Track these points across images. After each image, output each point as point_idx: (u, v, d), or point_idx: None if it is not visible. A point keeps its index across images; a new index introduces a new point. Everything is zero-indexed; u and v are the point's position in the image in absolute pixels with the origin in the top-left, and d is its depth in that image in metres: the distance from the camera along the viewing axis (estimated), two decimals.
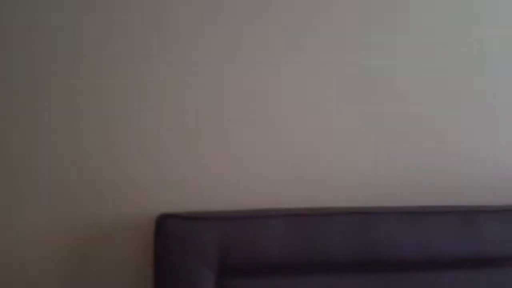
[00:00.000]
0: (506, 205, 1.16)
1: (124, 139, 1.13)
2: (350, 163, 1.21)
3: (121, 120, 1.14)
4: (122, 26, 1.15)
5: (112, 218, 1.12)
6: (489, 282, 1.06)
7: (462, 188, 1.26)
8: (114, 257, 1.12)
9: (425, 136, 1.24)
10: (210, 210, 1.08)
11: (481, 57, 1.28)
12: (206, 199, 1.13)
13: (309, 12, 1.20)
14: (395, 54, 1.24)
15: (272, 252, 1.00)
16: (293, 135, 1.19)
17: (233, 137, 1.17)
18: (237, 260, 1.00)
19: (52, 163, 1.12)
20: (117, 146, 1.13)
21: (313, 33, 1.20)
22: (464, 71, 1.26)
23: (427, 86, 1.25)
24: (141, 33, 1.15)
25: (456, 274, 1.06)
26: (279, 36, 1.19)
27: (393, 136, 1.23)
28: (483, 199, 1.24)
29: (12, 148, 1.12)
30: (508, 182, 1.28)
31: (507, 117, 1.29)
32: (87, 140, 1.13)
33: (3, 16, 1.12)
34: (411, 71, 1.24)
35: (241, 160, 1.16)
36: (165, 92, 1.15)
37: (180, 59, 1.16)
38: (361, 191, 1.21)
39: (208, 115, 1.16)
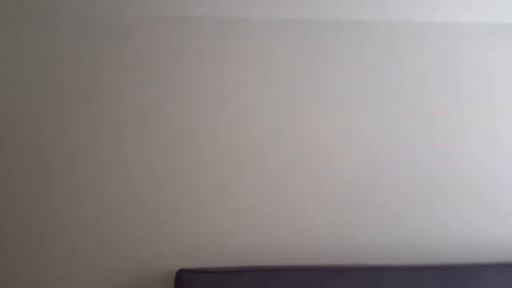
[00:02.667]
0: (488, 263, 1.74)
1: (150, 204, 1.69)
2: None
3: (152, 188, 1.70)
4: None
5: (139, 272, 1.66)
6: None
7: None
8: None
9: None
10: (209, 267, 1.65)
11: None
12: (213, 256, 1.69)
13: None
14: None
15: None
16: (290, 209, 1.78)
17: (238, 211, 1.73)
18: None
19: (84, 224, 1.66)
20: (143, 212, 1.69)
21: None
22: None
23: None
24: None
25: None
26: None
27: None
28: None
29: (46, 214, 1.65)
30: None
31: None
32: (116, 203, 1.68)
33: None
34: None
35: (241, 227, 1.73)
36: (188, 165, 1.72)
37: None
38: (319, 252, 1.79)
39: (219, 192, 1.73)
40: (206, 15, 1.79)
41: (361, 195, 1.81)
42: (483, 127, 1.87)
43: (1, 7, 1.73)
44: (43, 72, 1.72)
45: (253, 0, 1.80)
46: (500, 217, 1.85)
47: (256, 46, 1.79)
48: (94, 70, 1.72)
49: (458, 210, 1.85)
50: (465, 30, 1.88)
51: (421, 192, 1.84)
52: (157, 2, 1.76)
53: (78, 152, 1.70)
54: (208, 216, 1.72)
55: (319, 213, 1.79)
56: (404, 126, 1.85)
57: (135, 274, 1.65)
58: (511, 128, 1.87)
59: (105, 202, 1.69)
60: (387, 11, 1.86)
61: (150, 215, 1.70)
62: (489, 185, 1.86)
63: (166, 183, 1.72)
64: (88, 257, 1.66)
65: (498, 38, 1.88)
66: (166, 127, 1.73)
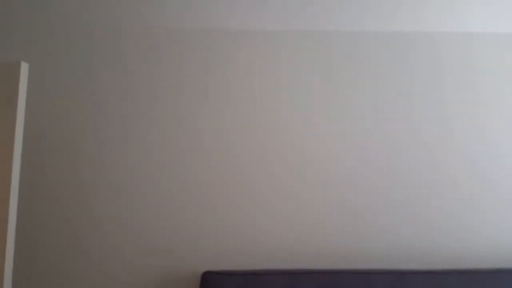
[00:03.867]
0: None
1: (181, 207, 1.80)
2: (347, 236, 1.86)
3: (183, 191, 1.81)
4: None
5: (167, 272, 1.77)
6: None
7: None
8: None
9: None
10: (234, 269, 1.73)
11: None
12: (238, 258, 1.79)
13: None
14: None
15: None
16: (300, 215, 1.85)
17: (262, 210, 1.82)
18: None
19: (118, 230, 1.80)
20: (174, 219, 1.80)
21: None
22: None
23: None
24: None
25: None
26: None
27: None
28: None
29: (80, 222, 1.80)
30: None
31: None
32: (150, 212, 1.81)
33: None
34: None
35: (264, 227, 1.82)
36: (215, 171, 1.83)
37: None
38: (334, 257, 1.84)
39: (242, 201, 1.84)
40: (216, 27, 1.93)
41: (380, 200, 1.85)
42: (504, 131, 1.89)
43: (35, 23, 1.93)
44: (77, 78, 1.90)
45: (259, 13, 1.93)
46: None
47: (262, 55, 1.91)
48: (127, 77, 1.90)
49: (483, 214, 1.86)
50: (475, 40, 1.94)
51: (445, 197, 1.86)
52: (178, 17, 1.92)
53: (113, 153, 1.83)
54: (234, 220, 1.81)
55: (341, 217, 1.84)
56: (422, 130, 1.90)
57: (162, 274, 1.76)
58: None
59: (138, 203, 1.81)
60: (398, 21, 1.94)
61: (180, 217, 1.80)
62: None
63: (196, 188, 1.82)
64: (121, 252, 1.78)
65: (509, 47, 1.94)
66: (196, 136, 1.86)
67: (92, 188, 1.82)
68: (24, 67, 1.59)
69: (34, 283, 1.76)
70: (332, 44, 1.93)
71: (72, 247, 1.78)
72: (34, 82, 1.86)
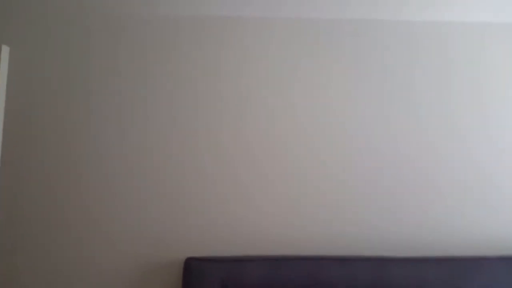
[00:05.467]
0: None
1: (167, 194, 1.81)
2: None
3: (170, 179, 1.82)
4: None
5: (156, 259, 1.78)
6: None
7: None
8: (158, 286, 1.77)
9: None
10: (217, 256, 1.75)
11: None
12: (221, 245, 1.80)
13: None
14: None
15: (254, 282, 1.65)
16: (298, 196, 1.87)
17: (244, 199, 1.83)
18: (233, 287, 1.65)
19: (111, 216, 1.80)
20: (160, 206, 1.81)
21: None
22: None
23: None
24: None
25: None
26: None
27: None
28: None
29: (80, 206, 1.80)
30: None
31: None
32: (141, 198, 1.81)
33: None
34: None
35: (250, 218, 1.83)
36: (203, 158, 1.83)
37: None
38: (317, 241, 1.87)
39: (225, 184, 1.84)
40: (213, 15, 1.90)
41: (370, 191, 1.87)
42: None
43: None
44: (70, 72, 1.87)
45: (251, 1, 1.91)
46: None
47: (274, 45, 1.90)
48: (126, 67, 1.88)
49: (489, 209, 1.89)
50: (484, 30, 1.93)
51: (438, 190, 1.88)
52: (172, 3, 1.90)
53: (100, 141, 1.83)
54: (217, 206, 1.82)
55: (326, 206, 1.86)
56: (425, 121, 1.91)
57: (146, 260, 1.77)
58: None
59: (124, 191, 1.81)
60: (402, 10, 1.93)
61: (165, 205, 1.81)
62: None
63: (182, 175, 1.82)
64: (106, 238, 1.79)
65: None
66: (184, 125, 1.86)
67: (80, 175, 1.81)
68: (5, 51, 1.56)
69: (20, 270, 1.76)
70: (333, 31, 1.91)
71: (60, 234, 1.79)
72: (16, 67, 1.83)
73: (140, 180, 1.82)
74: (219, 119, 1.86)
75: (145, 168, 1.82)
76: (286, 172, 1.85)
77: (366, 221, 1.85)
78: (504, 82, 1.93)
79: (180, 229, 1.80)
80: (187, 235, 1.80)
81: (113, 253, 1.79)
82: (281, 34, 1.91)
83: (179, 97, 1.87)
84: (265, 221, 1.83)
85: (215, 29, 1.90)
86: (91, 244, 1.79)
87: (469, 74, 1.93)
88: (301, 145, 1.87)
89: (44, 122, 1.83)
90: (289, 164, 1.86)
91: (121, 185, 1.81)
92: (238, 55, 1.89)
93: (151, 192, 1.81)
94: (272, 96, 1.88)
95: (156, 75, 1.87)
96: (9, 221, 1.78)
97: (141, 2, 1.90)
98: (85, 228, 1.79)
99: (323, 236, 1.84)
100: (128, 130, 1.84)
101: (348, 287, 1.71)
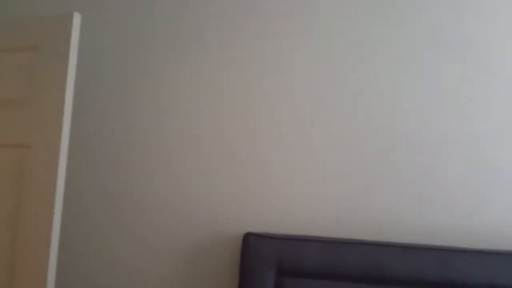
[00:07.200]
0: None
1: (222, 170, 1.81)
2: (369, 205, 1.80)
3: (223, 154, 1.81)
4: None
5: (209, 234, 1.79)
6: None
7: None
8: (214, 261, 1.78)
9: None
10: (275, 233, 1.72)
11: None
12: (280, 223, 1.78)
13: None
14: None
15: (310, 263, 1.62)
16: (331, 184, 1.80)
17: (307, 182, 1.80)
18: (289, 266, 1.63)
19: (162, 195, 1.82)
20: (219, 187, 1.81)
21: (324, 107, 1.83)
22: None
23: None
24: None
25: None
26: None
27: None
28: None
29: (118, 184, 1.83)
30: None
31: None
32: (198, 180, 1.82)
33: None
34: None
35: (310, 198, 1.79)
36: (259, 134, 1.81)
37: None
38: (373, 228, 1.79)
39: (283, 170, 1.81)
40: None
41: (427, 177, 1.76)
42: None
43: None
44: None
45: None
46: None
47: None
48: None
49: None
50: None
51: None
52: None
53: (146, 125, 1.85)
54: (278, 184, 1.79)
55: (393, 189, 1.77)
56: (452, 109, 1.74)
57: (205, 236, 1.79)
58: None
59: (177, 168, 1.82)
60: None
61: (221, 180, 1.80)
62: None
63: (237, 151, 1.80)
64: (158, 219, 1.82)
65: None
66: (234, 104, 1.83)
67: (144, 145, 1.84)
68: (77, 18, 1.58)
69: (79, 248, 1.84)
70: None
71: (120, 204, 1.84)
72: (87, 36, 1.86)
73: (201, 152, 1.81)
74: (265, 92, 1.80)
75: (206, 141, 1.82)
76: (366, 151, 1.78)
77: (430, 210, 1.75)
78: None
79: (240, 204, 1.79)
80: (248, 210, 1.79)
81: (172, 227, 1.81)
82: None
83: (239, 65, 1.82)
84: (325, 202, 1.78)
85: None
86: (150, 217, 1.82)
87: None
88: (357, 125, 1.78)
89: (114, 89, 1.86)
90: (354, 142, 1.78)
91: (181, 157, 1.82)
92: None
93: (213, 165, 1.81)
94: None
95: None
96: (73, 195, 1.85)
97: None
98: (146, 200, 1.83)
99: (385, 222, 1.76)
100: (189, 98, 1.84)
101: (412, 277, 1.63)
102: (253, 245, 1.65)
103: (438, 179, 1.76)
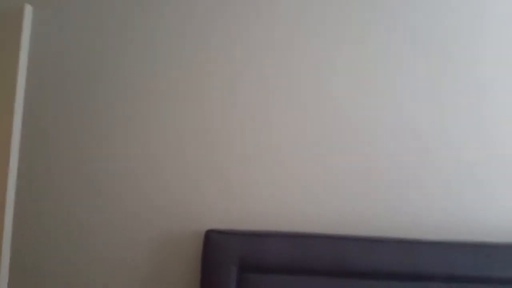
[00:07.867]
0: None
1: (186, 165, 1.77)
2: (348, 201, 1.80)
3: (190, 149, 1.78)
4: None
5: (176, 230, 1.76)
6: None
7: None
8: (175, 258, 1.74)
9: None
10: (237, 229, 1.70)
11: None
12: (239, 217, 1.76)
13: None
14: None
15: (273, 258, 1.61)
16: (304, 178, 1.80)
17: (270, 173, 1.77)
18: (251, 262, 1.61)
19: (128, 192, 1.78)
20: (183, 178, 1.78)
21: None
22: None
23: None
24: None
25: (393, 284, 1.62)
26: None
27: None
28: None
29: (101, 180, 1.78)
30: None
31: None
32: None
33: None
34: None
35: (263, 191, 1.77)
36: (220, 128, 1.78)
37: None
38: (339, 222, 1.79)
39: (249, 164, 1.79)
40: None
41: (396, 170, 1.78)
42: None
43: None
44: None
45: None
46: None
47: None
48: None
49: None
50: None
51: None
52: None
53: (121, 108, 1.80)
54: (239, 179, 1.77)
55: (353, 184, 1.78)
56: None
57: (166, 233, 1.75)
58: None
59: (143, 163, 1.78)
60: None
61: (184, 176, 1.77)
62: None
63: (206, 143, 1.78)
64: (126, 211, 1.76)
65: None
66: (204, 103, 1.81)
67: (95, 139, 1.79)
68: (28, 10, 1.53)
69: (36, 241, 1.78)
70: None
71: (75, 202, 1.79)
72: (39, 28, 1.81)
73: (160, 148, 1.78)
74: (233, 87, 1.79)
75: (166, 136, 1.78)
76: (318, 145, 1.78)
77: (395, 202, 1.77)
78: None
79: (201, 200, 1.76)
80: (209, 207, 1.76)
81: (131, 225, 1.76)
82: None
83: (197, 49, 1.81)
84: (290, 197, 1.77)
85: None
86: (108, 215, 1.77)
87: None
88: (329, 114, 1.78)
89: (66, 83, 1.81)
90: (314, 137, 1.78)
91: (139, 153, 1.78)
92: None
93: (172, 161, 1.77)
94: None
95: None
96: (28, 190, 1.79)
97: None
98: (101, 199, 1.77)
99: (349, 215, 1.77)
100: (146, 95, 1.80)
101: (374, 268, 1.64)
102: (215, 242, 1.62)
103: (406, 173, 1.78)
